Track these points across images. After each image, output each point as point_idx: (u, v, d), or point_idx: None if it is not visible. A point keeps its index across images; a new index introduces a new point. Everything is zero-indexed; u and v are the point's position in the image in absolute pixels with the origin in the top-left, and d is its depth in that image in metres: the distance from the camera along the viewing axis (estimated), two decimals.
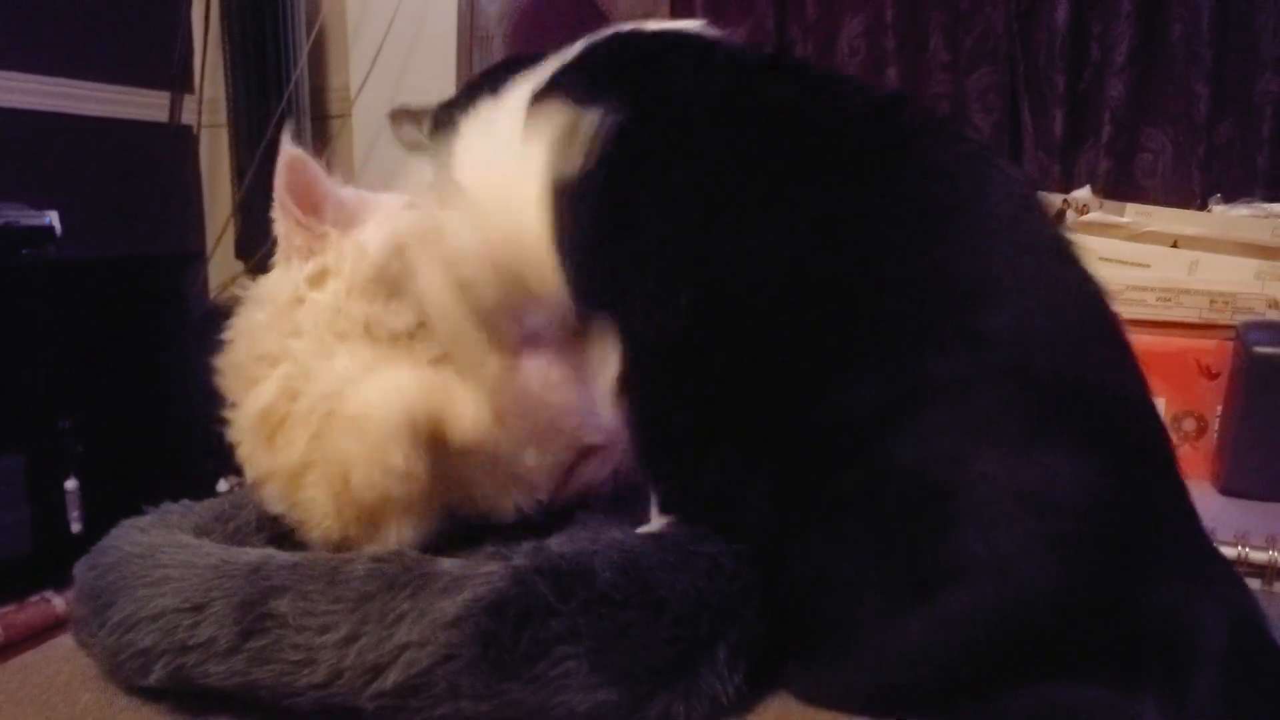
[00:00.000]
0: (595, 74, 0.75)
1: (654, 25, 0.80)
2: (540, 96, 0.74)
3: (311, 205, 0.76)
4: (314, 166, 0.75)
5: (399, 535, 0.74)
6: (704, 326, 0.67)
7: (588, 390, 0.92)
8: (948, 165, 0.66)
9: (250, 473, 0.76)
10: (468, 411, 0.72)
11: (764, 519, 0.65)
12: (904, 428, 0.59)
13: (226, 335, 0.78)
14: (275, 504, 0.76)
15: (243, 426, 0.76)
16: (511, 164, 0.73)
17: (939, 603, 0.58)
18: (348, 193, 0.79)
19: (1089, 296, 0.64)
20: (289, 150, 0.74)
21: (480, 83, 0.84)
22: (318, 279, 0.75)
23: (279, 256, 0.78)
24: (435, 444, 0.71)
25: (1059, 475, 0.58)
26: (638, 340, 0.70)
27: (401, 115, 0.91)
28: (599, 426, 0.91)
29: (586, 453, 0.92)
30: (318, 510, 0.73)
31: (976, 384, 0.59)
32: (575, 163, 0.70)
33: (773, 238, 0.66)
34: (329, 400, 0.73)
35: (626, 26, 0.80)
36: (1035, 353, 0.60)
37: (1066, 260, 0.65)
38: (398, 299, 0.76)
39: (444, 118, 0.84)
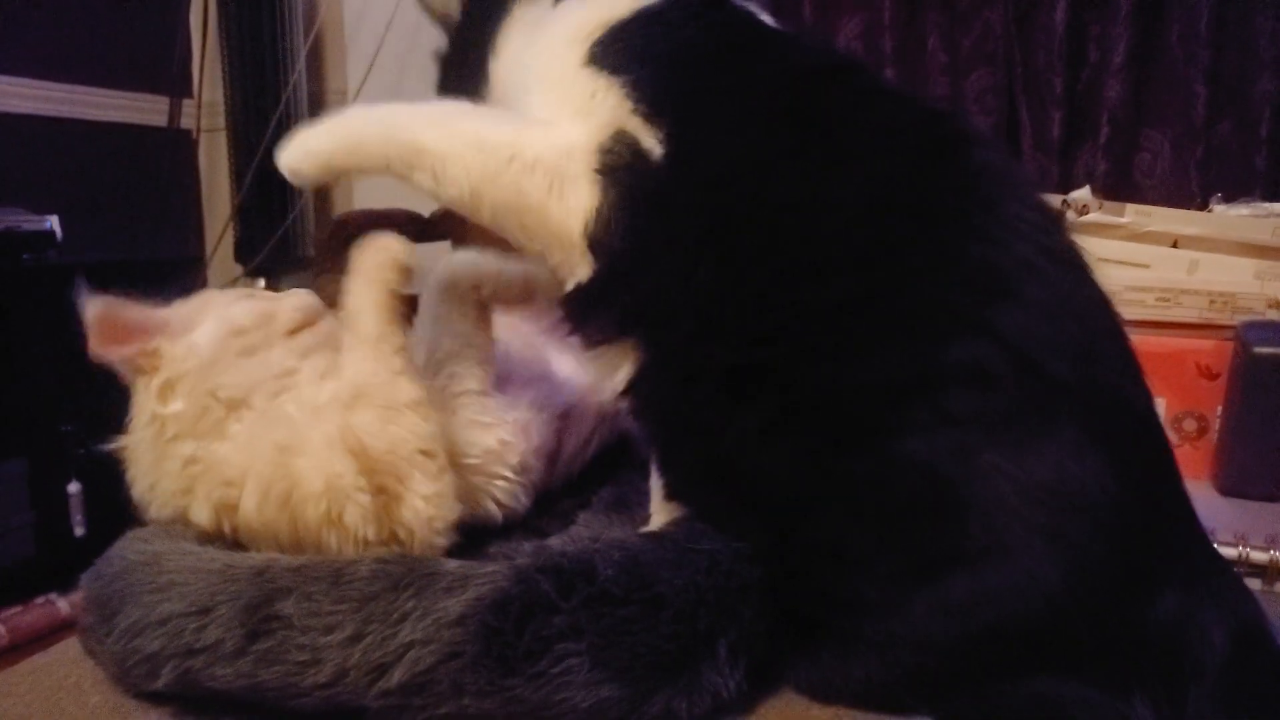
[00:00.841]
0: (674, 47, 0.72)
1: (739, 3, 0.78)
2: (611, 42, 0.72)
3: (130, 335, 0.75)
4: (119, 307, 0.74)
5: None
6: (739, 296, 0.67)
7: (547, 355, 0.93)
8: (985, 169, 0.68)
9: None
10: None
11: (777, 498, 0.66)
12: (921, 412, 0.60)
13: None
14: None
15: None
16: (568, 109, 0.71)
17: (943, 586, 0.60)
18: (171, 310, 0.78)
19: (1100, 305, 0.66)
20: (92, 308, 0.73)
21: None
22: (164, 392, 0.75)
23: (134, 382, 0.77)
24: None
25: (1067, 473, 0.59)
26: (659, 312, 0.69)
27: None
28: (563, 387, 0.92)
29: (563, 423, 0.92)
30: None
31: (994, 375, 0.60)
32: (630, 153, 0.69)
33: (817, 215, 0.66)
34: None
35: None
36: (1050, 352, 0.61)
37: (1081, 269, 0.67)
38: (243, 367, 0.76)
39: None
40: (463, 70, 0.85)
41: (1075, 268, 0.67)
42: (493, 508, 0.83)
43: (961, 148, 0.68)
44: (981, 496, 0.59)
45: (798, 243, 0.66)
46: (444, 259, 0.88)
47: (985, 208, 0.65)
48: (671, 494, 0.75)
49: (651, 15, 0.73)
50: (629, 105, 0.69)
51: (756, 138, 0.69)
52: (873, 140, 0.68)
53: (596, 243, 0.69)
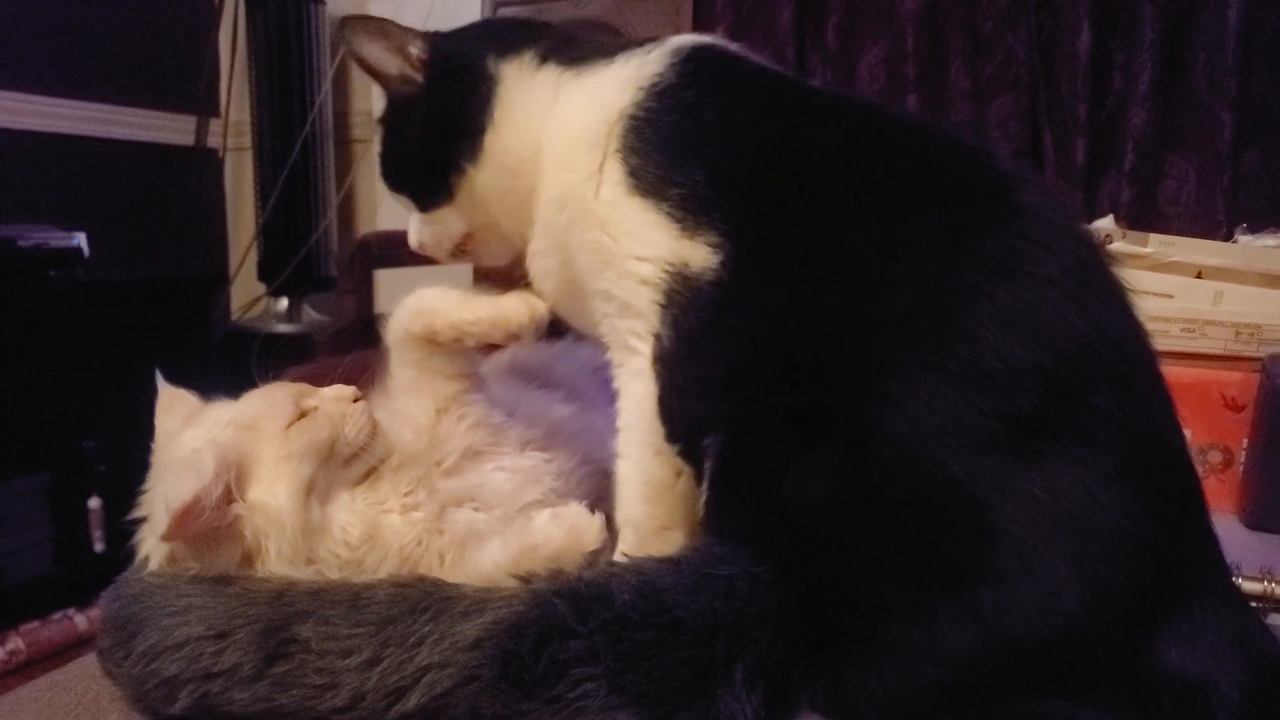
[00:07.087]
0: (701, 139, 0.74)
1: (753, 57, 0.80)
2: (641, 147, 0.74)
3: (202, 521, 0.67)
4: (191, 504, 0.65)
5: None
6: (799, 348, 0.68)
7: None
8: (1037, 211, 0.68)
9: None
10: None
11: (816, 517, 0.66)
12: (961, 441, 0.62)
13: None
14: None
15: None
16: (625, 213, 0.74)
17: (969, 595, 0.61)
18: (212, 452, 0.69)
19: (1140, 342, 0.68)
20: (173, 510, 0.64)
21: (548, 43, 0.82)
22: (248, 560, 0.69)
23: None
24: None
25: (1097, 504, 0.60)
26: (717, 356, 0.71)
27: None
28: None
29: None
30: None
31: (1037, 407, 0.62)
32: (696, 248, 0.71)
33: (869, 270, 0.68)
34: None
35: (716, 44, 0.80)
36: (1092, 383, 0.63)
37: (1124, 305, 0.68)
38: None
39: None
40: (427, 137, 0.86)
41: (1117, 301, 0.68)
42: None
43: (1007, 190, 0.69)
44: (1013, 520, 0.60)
45: (854, 291, 0.68)
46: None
47: (1037, 248, 0.66)
48: (718, 532, 0.75)
49: (666, 93, 0.75)
50: (675, 229, 0.72)
51: (804, 212, 0.70)
52: (919, 194, 0.70)
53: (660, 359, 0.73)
